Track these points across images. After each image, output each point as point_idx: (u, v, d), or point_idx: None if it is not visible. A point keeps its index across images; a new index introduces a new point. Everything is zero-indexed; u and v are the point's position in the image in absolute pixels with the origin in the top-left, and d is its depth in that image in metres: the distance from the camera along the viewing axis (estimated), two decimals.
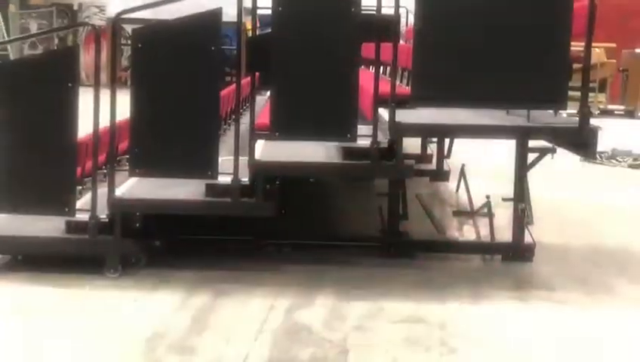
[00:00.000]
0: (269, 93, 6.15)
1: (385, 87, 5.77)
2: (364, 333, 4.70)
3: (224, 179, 5.62)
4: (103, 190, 5.66)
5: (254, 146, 5.69)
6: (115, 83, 5.67)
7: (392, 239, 6.39)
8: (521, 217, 6.39)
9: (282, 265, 6.00)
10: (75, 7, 26.43)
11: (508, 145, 6.88)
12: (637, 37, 21.69)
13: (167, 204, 5.70)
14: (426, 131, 6.32)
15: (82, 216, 5.62)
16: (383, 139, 5.75)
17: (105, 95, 5.53)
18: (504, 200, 7.01)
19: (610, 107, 20.63)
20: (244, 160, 5.61)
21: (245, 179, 5.62)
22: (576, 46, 5.84)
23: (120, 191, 5.72)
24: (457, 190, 8.76)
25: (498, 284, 5.75)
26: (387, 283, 5.65)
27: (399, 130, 5.65)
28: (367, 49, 6.56)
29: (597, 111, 18.26)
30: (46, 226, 5.71)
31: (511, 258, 6.32)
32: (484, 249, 6.63)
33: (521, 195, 6.47)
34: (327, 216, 7.83)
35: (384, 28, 5.77)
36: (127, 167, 5.96)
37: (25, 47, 24.37)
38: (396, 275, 5.86)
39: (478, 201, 7.44)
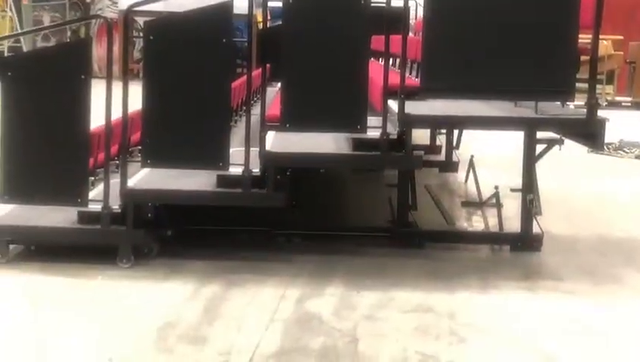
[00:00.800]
0: (279, 84, 6.14)
1: (394, 79, 5.75)
2: (375, 323, 4.69)
3: (235, 170, 5.61)
4: (115, 181, 5.66)
5: (265, 137, 5.68)
6: (127, 75, 5.66)
7: (401, 229, 6.39)
8: (530, 207, 6.37)
9: (293, 256, 5.98)
10: (88, 0, 26.43)
11: (516, 136, 6.86)
12: None
13: (179, 195, 5.70)
14: (435, 122, 6.29)
15: (95, 207, 5.63)
16: (393, 130, 5.74)
17: (117, 87, 5.53)
18: (513, 190, 7.02)
19: (618, 99, 20.52)
20: (254, 151, 5.61)
21: (256, 170, 5.61)
22: (584, 38, 5.82)
23: (132, 182, 5.72)
24: (466, 181, 8.75)
25: (506, 274, 5.74)
26: (396, 273, 5.64)
27: (408, 122, 5.64)
28: (377, 41, 6.54)
29: (604, 103, 18.20)
30: (59, 217, 5.72)
31: (519, 248, 6.30)
32: (492, 239, 6.62)
33: (529, 186, 6.45)
34: (337, 206, 7.83)
35: (394, 20, 5.75)
36: (139, 158, 5.98)
37: (38, 39, 24.35)
38: (405, 265, 5.85)
39: (487, 192, 7.43)
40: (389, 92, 5.71)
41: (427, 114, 5.81)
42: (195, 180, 5.74)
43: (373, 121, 5.71)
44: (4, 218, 5.83)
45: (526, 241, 6.31)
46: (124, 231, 5.60)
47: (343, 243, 6.31)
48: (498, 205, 6.96)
